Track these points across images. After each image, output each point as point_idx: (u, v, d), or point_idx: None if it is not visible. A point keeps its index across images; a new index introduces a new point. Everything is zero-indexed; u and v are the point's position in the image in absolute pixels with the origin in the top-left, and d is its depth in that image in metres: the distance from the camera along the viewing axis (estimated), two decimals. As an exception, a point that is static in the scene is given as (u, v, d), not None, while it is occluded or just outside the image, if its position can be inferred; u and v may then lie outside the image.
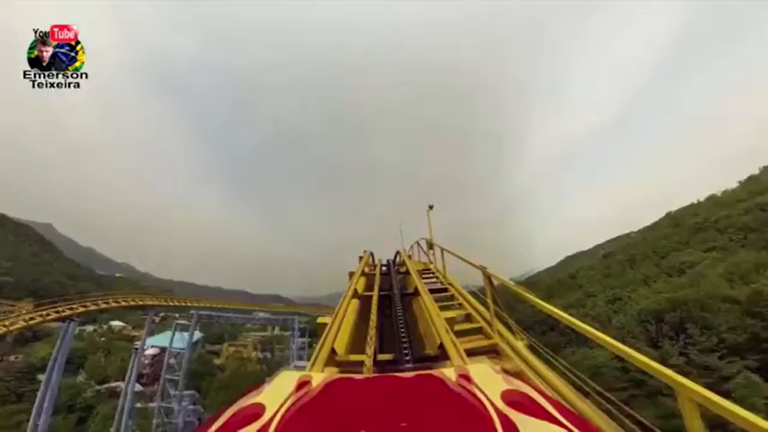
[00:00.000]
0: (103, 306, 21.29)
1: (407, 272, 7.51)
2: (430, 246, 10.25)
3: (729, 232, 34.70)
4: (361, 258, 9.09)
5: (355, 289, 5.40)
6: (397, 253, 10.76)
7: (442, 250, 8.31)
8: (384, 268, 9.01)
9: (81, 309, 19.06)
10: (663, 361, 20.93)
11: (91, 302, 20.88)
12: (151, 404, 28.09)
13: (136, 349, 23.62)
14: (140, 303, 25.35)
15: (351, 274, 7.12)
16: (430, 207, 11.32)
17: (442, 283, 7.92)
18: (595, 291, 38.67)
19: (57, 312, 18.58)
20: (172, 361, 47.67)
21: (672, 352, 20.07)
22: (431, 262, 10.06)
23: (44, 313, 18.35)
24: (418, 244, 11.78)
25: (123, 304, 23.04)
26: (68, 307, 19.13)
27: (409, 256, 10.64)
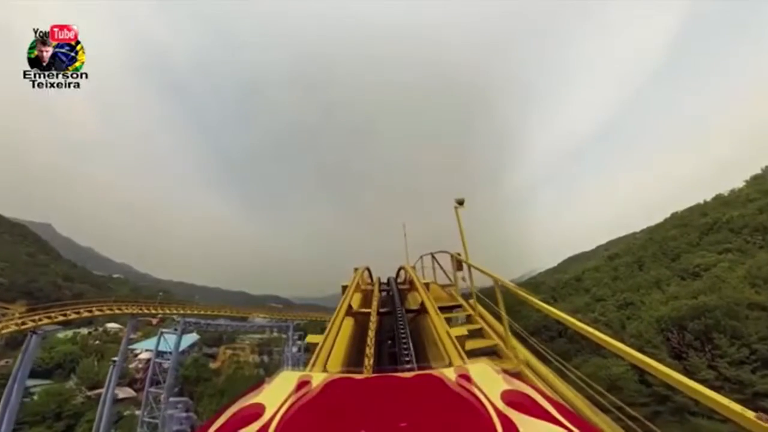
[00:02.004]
0: (74, 317, 19.78)
1: (422, 310, 4.51)
2: (459, 265, 6.67)
3: (744, 233, 33.26)
4: (345, 289, 5.61)
5: (325, 370, 2.73)
6: (401, 269, 8.27)
7: (498, 284, 4.25)
8: (383, 294, 6.39)
9: (45, 320, 17.61)
10: (690, 375, 19.56)
11: (59, 312, 19.31)
12: (137, 412, 26.68)
13: (114, 361, 22.14)
14: (117, 311, 23.76)
15: (317, 340, 3.40)
16: (460, 203, 6.91)
17: (498, 354, 4.37)
18: (604, 294, 37.21)
19: (17, 325, 17.08)
20: (166, 364, 46.39)
21: (700, 365, 18.41)
22: (456, 287, 6.84)
23: (0, 326, 16.84)
24: (434, 258, 8.52)
25: (97, 313, 21.49)
26: (30, 318, 17.64)
27: (426, 286, 6.27)
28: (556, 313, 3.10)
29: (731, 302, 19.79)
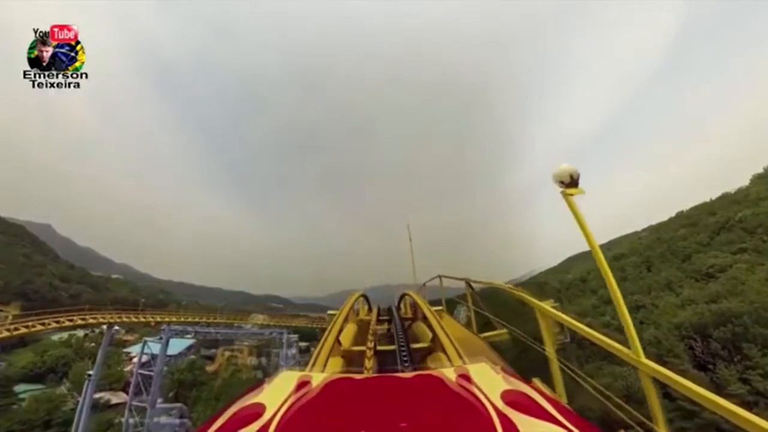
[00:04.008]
0: (39, 328, 18.34)
1: None
2: (560, 328, 3.38)
3: (759, 233, 31.92)
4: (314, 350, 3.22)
5: None
6: (405, 297, 6.24)
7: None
8: (382, 339, 4.50)
9: (5, 333, 16.25)
10: (721, 389, 18.40)
11: (21, 323, 17.89)
12: (123, 419, 25.29)
13: (90, 375, 20.90)
14: (92, 320, 22.29)
15: None
16: (570, 182, 2.24)
17: None
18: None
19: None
20: (164, 368, 45.08)
21: (729, 378, 16.88)
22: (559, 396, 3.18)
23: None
24: (471, 289, 5.43)
25: (67, 323, 20.00)
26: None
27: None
28: (575, 324, 2.86)
29: (759, 307, 18.44)
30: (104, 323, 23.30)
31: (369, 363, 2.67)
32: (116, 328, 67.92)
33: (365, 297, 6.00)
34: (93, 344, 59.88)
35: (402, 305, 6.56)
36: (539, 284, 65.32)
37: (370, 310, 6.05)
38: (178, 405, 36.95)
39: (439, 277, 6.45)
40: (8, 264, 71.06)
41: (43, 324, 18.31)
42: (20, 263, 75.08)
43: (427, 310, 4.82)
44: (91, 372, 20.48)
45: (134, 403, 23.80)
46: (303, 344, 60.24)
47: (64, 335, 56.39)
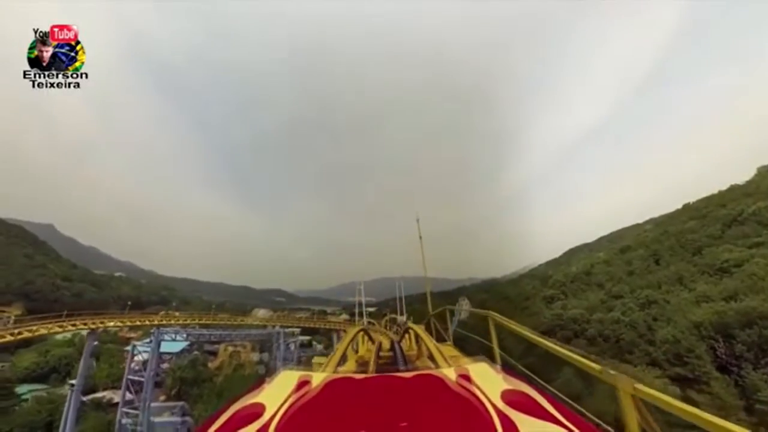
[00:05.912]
0: (9, 339, 17.29)
1: None
2: None
3: (775, 225, 30.79)
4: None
5: None
6: (407, 333, 5.25)
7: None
8: None
9: None
10: (747, 395, 17.50)
11: None
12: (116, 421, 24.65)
13: (73, 384, 20.22)
14: (71, 327, 21.24)
15: None
16: None
17: None
18: (621, 291, 34.85)
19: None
20: (165, 365, 44.65)
21: (759, 383, 15.79)
22: None
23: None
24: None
25: (42, 332, 18.94)
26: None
27: None
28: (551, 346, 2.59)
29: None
30: (85, 329, 22.47)
31: (369, 364, 2.51)
32: (120, 324, 67.65)
33: (365, 332, 4.91)
34: (96, 342, 59.83)
35: (411, 338, 5.25)
36: (542, 277, 64.28)
37: (372, 342, 4.93)
38: (180, 403, 36.58)
39: (489, 317, 3.77)
40: (9, 265, 70.74)
41: (13, 335, 17.46)
42: (21, 264, 74.82)
43: (435, 353, 2.97)
44: (73, 381, 19.82)
45: (125, 410, 23.17)
46: (305, 338, 59.87)
47: (68, 334, 56.28)
